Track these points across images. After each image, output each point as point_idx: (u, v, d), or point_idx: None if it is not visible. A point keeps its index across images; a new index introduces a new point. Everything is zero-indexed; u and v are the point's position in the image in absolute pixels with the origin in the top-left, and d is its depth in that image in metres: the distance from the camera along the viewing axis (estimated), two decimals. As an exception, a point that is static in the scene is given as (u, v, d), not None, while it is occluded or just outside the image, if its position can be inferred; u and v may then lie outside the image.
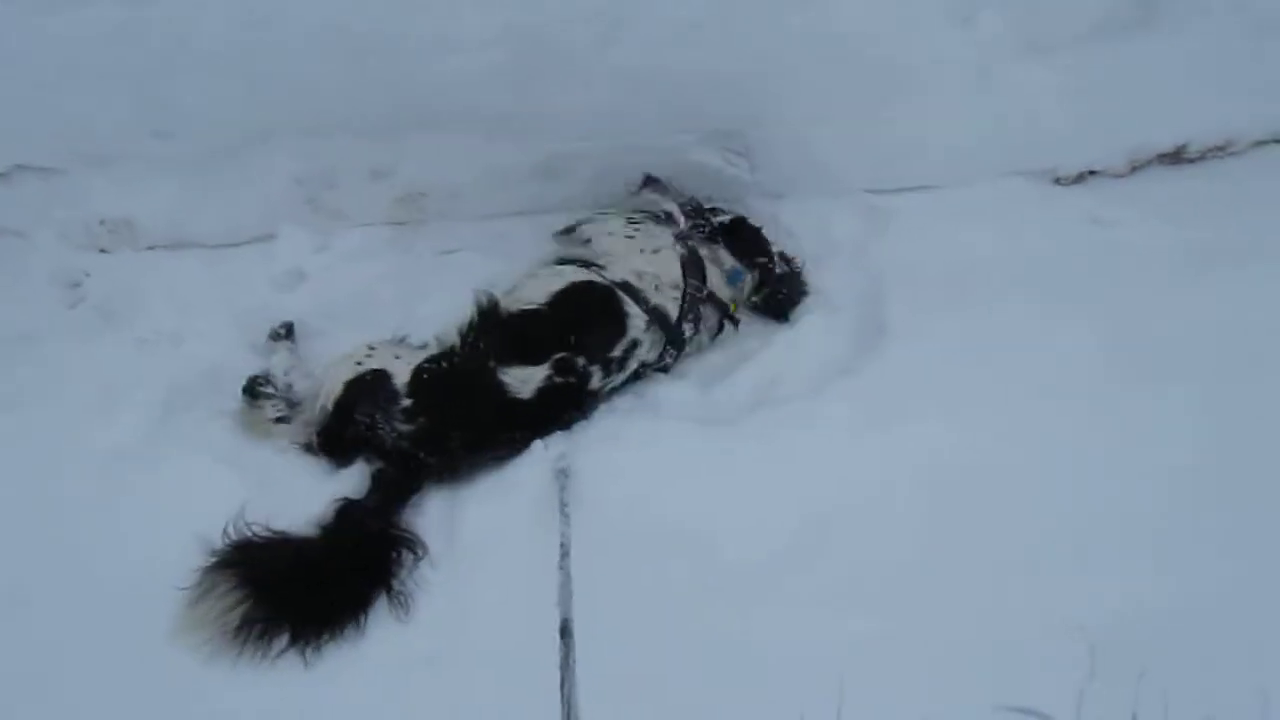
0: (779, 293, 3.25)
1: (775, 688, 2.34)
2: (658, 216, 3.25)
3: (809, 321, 3.18)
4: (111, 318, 3.23)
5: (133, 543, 2.63)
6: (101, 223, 3.39)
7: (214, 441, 2.87)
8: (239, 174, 3.36)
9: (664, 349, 3.05)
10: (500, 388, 2.81)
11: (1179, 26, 3.39)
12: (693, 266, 3.10)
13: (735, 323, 3.21)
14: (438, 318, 3.06)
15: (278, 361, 3.05)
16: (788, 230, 3.39)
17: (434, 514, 2.77)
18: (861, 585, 2.50)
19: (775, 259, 3.25)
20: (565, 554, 2.56)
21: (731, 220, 3.29)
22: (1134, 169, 3.54)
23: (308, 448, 2.86)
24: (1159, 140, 3.53)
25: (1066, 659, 2.30)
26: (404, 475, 2.78)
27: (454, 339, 2.92)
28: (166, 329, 3.18)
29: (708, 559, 2.57)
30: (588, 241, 3.16)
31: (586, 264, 3.05)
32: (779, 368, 3.09)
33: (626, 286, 3.00)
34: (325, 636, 2.48)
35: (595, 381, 2.93)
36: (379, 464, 2.79)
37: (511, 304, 2.95)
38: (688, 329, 3.07)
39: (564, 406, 2.90)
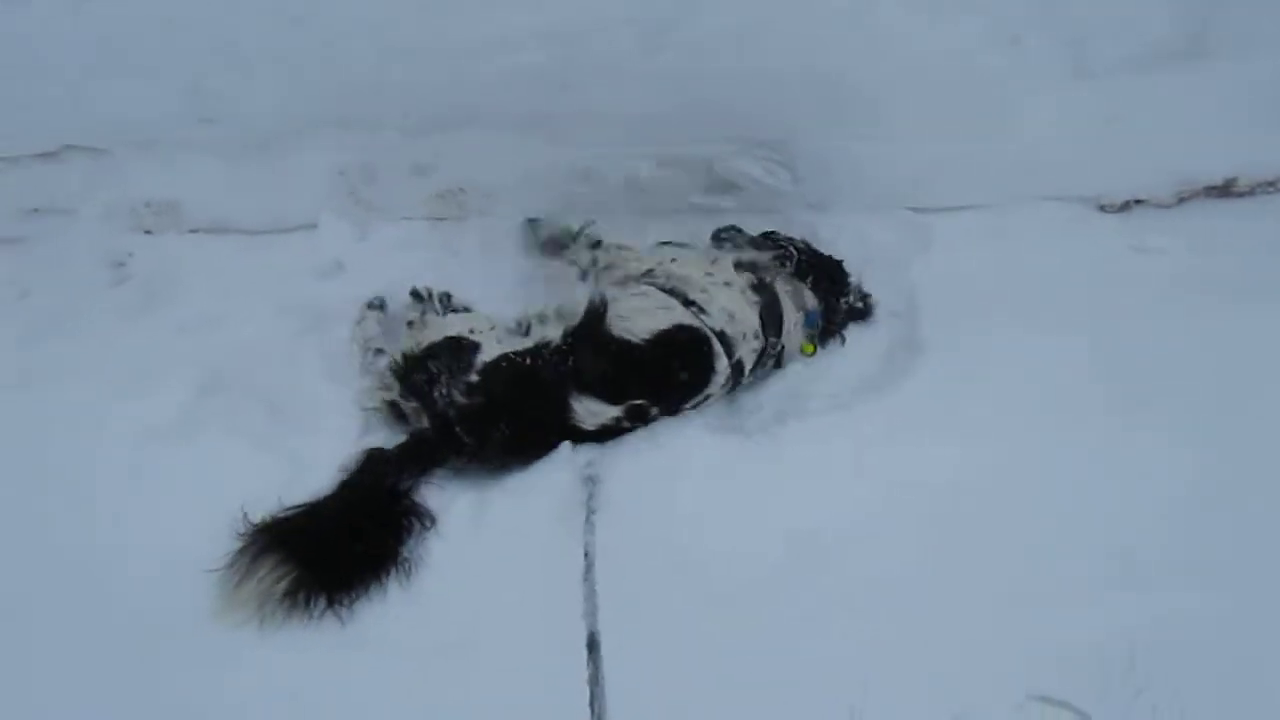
0: (846, 323, 3.18)
1: (796, 696, 2.36)
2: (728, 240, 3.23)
3: (846, 336, 3.17)
4: (153, 298, 3.27)
5: (164, 521, 2.65)
6: (147, 205, 3.44)
7: (249, 425, 2.88)
8: (282, 163, 3.40)
9: (728, 389, 2.98)
10: (567, 411, 2.77)
11: (1232, 57, 3.36)
12: (771, 316, 2.99)
13: (783, 366, 3.11)
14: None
15: (366, 328, 3.11)
16: (827, 243, 3.37)
17: (462, 506, 2.75)
18: (877, 599, 2.51)
19: (854, 295, 3.17)
20: (590, 565, 2.54)
21: (818, 257, 3.16)
22: (1181, 200, 3.50)
23: (389, 368, 2.90)
24: (1207, 172, 3.49)
25: (1074, 673, 2.37)
26: (436, 444, 2.77)
27: (555, 336, 2.85)
28: (206, 312, 3.21)
29: (727, 570, 2.56)
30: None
31: (689, 301, 2.93)
32: (809, 381, 3.07)
33: (722, 336, 2.88)
34: (353, 597, 2.53)
35: (651, 416, 2.88)
36: (421, 426, 2.81)
37: (616, 324, 2.85)
38: (749, 379, 3.02)
39: (614, 436, 2.85)
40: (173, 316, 3.18)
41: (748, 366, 2.94)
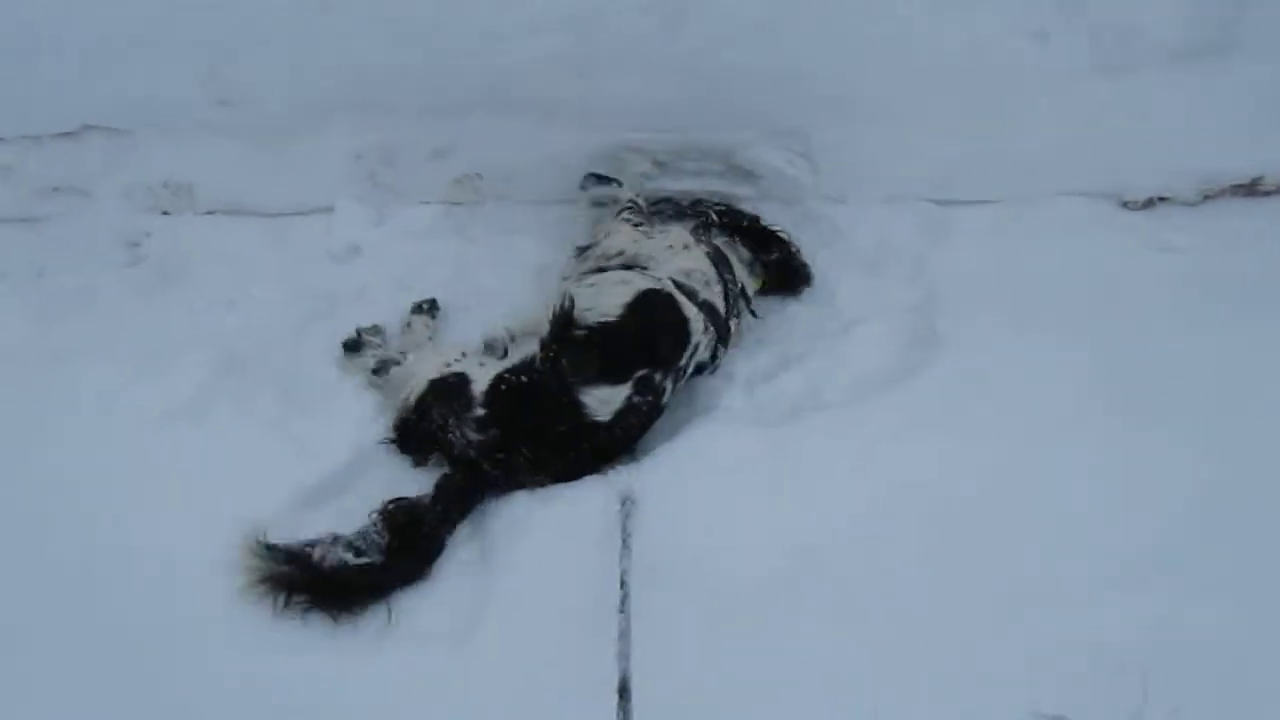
0: (787, 267, 3.24)
1: (808, 701, 2.38)
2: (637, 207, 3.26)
3: (862, 330, 3.13)
4: (168, 279, 3.28)
5: (175, 505, 2.66)
6: (164, 185, 3.44)
7: (261, 408, 2.89)
8: (300, 146, 3.40)
9: (715, 346, 3.01)
10: (579, 409, 2.75)
11: (1260, 54, 3.30)
12: (719, 259, 3.09)
13: (754, 313, 3.20)
14: (490, 297, 3.06)
15: (416, 327, 3.09)
16: (846, 234, 3.35)
17: (501, 521, 2.75)
18: (890, 600, 2.51)
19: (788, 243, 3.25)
20: (626, 595, 2.47)
21: (731, 210, 3.27)
22: (1205, 198, 3.45)
23: (391, 442, 2.86)
24: (1233, 170, 3.43)
25: (1077, 677, 2.38)
26: (467, 485, 2.75)
27: (534, 349, 2.85)
28: (221, 294, 3.22)
29: (743, 574, 2.57)
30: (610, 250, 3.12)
31: (629, 267, 3.01)
32: (825, 375, 3.05)
33: (679, 286, 2.96)
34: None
35: (666, 396, 2.89)
36: (445, 469, 2.78)
37: (586, 315, 2.86)
38: (732, 324, 3.05)
39: (638, 428, 2.85)
40: (187, 298, 3.19)
41: (720, 308, 3.00)
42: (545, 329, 2.86)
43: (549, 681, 2.38)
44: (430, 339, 3.08)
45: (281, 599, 2.50)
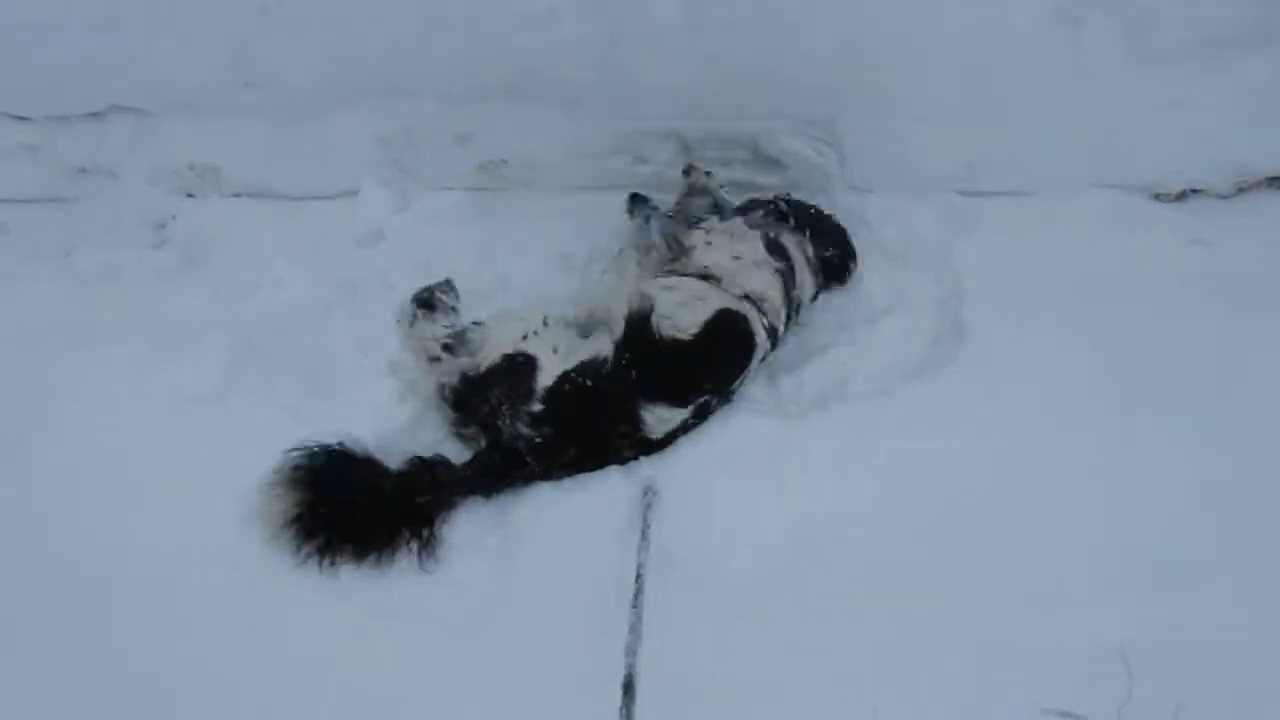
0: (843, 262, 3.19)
1: (808, 693, 2.38)
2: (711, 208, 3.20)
3: (887, 322, 3.11)
4: (193, 261, 3.29)
5: (194, 487, 2.68)
6: (190, 167, 3.45)
7: (283, 393, 2.90)
8: (325, 130, 3.40)
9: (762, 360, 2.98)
10: (637, 424, 2.72)
11: (1298, 43, 3.23)
12: (786, 268, 3.01)
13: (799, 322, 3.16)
14: (513, 284, 3.06)
15: (422, 329, 2.96)
16: (872, 226, 3.31)
17: (523, 509, 2.74)
18: (897, 596, 2.52)
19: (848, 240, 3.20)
20: (640, 590, 2.45)
21: (806, 208, 3.19)
22: (1239, 190, 3.39)
23: (444, 400, 2.80)
24: (1268, 162, 3.37)
25: (1082, 675, 2.40)
26: (503, 469, 2.72)
27: (607, 350, 2.78)
28: (245, 277, 3.22)
29: (763, 560, 2.57)
30: (691, 249, 3.03)
31: (705, 277, 2.94)
32: (851, 367, 3.04)
33: (753, 304, 2.90)
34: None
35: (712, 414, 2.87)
36: (484, 446, 2.74)
37: (662, 324, 2.80)
38: (782, 339, 3.03)
39: (678, 437, 2.82)
40: (211, 281, 3.20)
41: (780, 330, 2.97)
42: (618, 324, 2.81)
43: (557, 674, 2.39)
44: (447, 330, 2.90)
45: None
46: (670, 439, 2.78)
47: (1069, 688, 2.38)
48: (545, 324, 2.80)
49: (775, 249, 3.02)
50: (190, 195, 3.46)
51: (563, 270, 3.23)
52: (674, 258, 3.04)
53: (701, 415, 2.81)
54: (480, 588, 2.58)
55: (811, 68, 3.20)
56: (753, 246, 3.00)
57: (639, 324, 2.79)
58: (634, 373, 2.73)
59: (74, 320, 3.07)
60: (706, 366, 2.80)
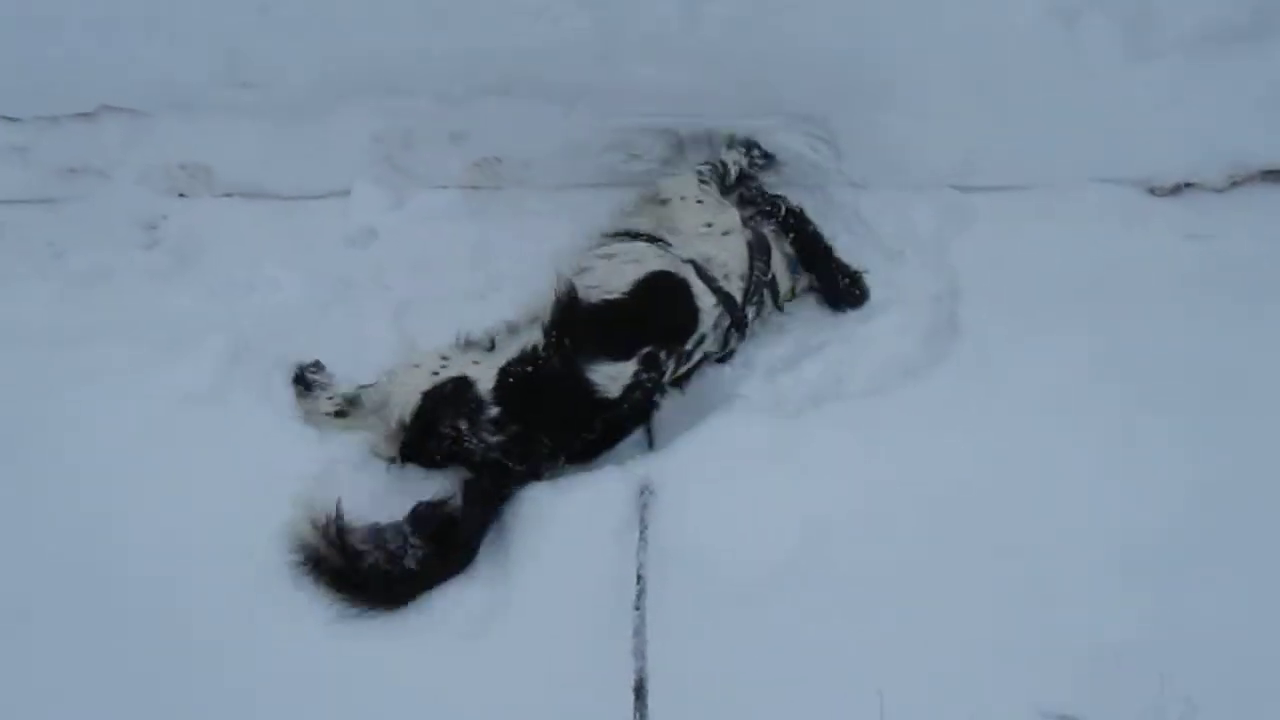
0: (839, 284, 3.18)
1: (814, 691, 2.38)
2: (719, 174, 3.20)
3: (883, 319, 3.11)
4: (185, 261, 3.28)
5: (191, 488, 2.67)
6: (182, 167, 3.43)
7: (278, 391, 2.90)
8: (318, 129, 3.38)
9: (728, 334, 2.99)
10: (589, 387, 2.72)
11: (1293, 37, 3.23)
12: (759, 248, 3.04)
13: (780, 308, 3.18)
14: (508, 283, 3.04)
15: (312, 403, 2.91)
16: (868, 222, 3.31)
17: (519, 513, 2.74)
18: (900, 594, 2.52)
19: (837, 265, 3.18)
20: (642, 590, 2.45)
21: (797, 213, 3.19)
22: (1234, 184, 3.39)
23: (391, 461, 2.78)
24: (1263, 155, 3.37)
25: (1076, 672, 2.40)
26: (494, 487, 2.70)
27: (536, 336, 2.77)
28: (238, 277, 3.21)
29: (759, 561, 2.57)
30: (665, 202, 3.06)
31: (653, 239, 2.97)
32: (846, 364, 3.03)
33: (699, 271, 2.91)
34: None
35: (668, 375, 2.87)
36: (466, 475, 2.72)
37: (592, 293, 2.82)
38: (750, 312, 3.02)
39: (645, 404, 2.83)
40: (204, 281, 3.19)
41: (739, 299, 2.95)
42: (548, 314, 2.80)
43: (566, 678, 2.39)
44: (331, 401, 2.86)
45: (319, 580, 2.52)
46: (632, 398, 2.77)
47: (1069, 686, 2.39)
48: (444, 359, 2.79)
49: (756, 234, 3.05)
50: (182, 195, 3.44)
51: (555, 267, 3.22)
52: (640, 209, 3.07)
53: (652, 366, 2.79)
54: (481, 593, 2.58)
55: (808, 64, 3.18)
56: (729, 218, 3.03)
57: (566, 300, 2.78)
58: (567, 341, 2.73)
59: (66, 322, 3.06)
60: (640, 319, 2.80)
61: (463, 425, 2.66)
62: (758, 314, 3.07)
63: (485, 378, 2.70)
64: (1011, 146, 3.31)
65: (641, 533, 2.57)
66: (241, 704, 2.42)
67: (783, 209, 3.17)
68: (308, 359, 2.95)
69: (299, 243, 3.29)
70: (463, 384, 2.70)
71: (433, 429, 2.67)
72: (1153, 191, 3.39)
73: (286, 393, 2.92)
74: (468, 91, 3.29)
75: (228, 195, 3.44)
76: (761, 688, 2.40)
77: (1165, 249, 3.24)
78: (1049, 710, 2.36)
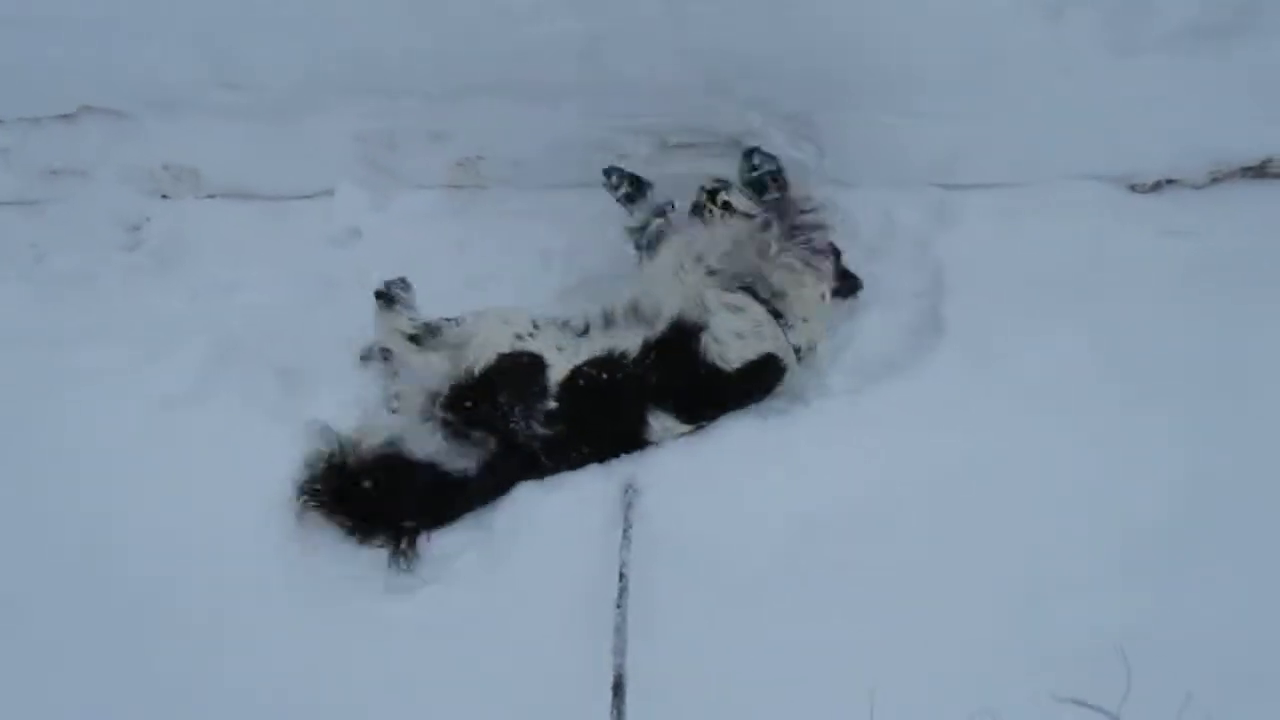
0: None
1: (797, 686, 2.38)
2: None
3: (867, 316, 3.11)
4: (169, 263, 3.27)
5: (176, 490, 2.66)
6: (165, 168, 3.42)
7: (263, 394, 2.89)
8: (302, 129, 3.37)
9: None
10: (643, 424, 2.70)
11: (1273, 35, 3.23)
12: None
13: None
14: (492, 282, 3.03)
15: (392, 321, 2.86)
16: (851, 219, 3.31)
17: (503, 510, 2.73)
18: (892, 590, 2.52)
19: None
20: (624, 589, 2.44)
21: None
22: (1214, 180, 3.40)
23: (426, 411, 2.71)
24: (1243, 152, 3.38)
25: (1075, 666, 2.35)
26: (518, 472, 2.67)
27: (632, 344, 2.72)
28: (222, 278, 3.21)
29: (746, 559, 2.57)
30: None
31: (771, 306, 2.84)
32: (831, 360, 3.03)
33: (798, 352, 2.86)
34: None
35: None
36: (494, 449, 2.67)
37: (709, 348, 2.72)
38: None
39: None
40: (187, 282, 3.20)
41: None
42: (661, 323, 2.74)
43: (545, 676, 2.40)
44: (412, 323, 2.79)
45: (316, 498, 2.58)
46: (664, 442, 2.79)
47: (1070, 681, 2.38)
48: (536, 327, 2.74)
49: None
50: (165, 196, 3.44)
51: (543, 268, 3.23)
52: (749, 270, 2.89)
53: (697, 430, 2.80)
54: (464, 591, 2.58)
55: (791, 63, 3.18)
56: (818, 281, 2.89)
57: (685, 335, 2.72)
58: (655, 377, 2.68)
59: (49, 324, 3.06)
60: (728, 400, 2.79)
61: (518, 406, 2.62)
62: None
63: (560, 367, 2.66)
64: (995, 144, 3.31)
65: (625, 531, 2.57)
66: (227, 707, 2.42)
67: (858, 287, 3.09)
68: (394, 276, 2.90)
69: (283, 243, 3.29)
70: (537, 365, 2.65)
71: (493, 395, 2.62)
72: (1134, 188, 3.40)
73: (273, 393, 2.91)
74: (451, 91, 3.28)
75: (211, 196, 3.44)
76: (745, 686, 2.41)
77: (1147, 245, 3.24)
78: (1062, 695, 2.35)
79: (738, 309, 2.81)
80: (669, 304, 2.78)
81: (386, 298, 2.84)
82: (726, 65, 3.17)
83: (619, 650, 2.32)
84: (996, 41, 3.16)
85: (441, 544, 2.68)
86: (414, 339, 2.77)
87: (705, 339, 2.73)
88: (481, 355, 2.65)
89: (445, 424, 2.68)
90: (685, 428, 2.76)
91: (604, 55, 3.14)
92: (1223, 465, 2.72)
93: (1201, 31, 3.21)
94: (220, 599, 2.51)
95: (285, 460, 2.69)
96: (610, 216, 3.27)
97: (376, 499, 2.60)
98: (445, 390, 2.69)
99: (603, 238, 3.27)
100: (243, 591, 2.53)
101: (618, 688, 2.25)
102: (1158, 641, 2.38)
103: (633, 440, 2.73)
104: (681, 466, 2.74)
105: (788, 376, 2.88)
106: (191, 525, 2.58)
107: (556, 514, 2.66)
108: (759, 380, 2.82)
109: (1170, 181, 3.40)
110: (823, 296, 2.88)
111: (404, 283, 2.90)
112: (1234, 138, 3.36)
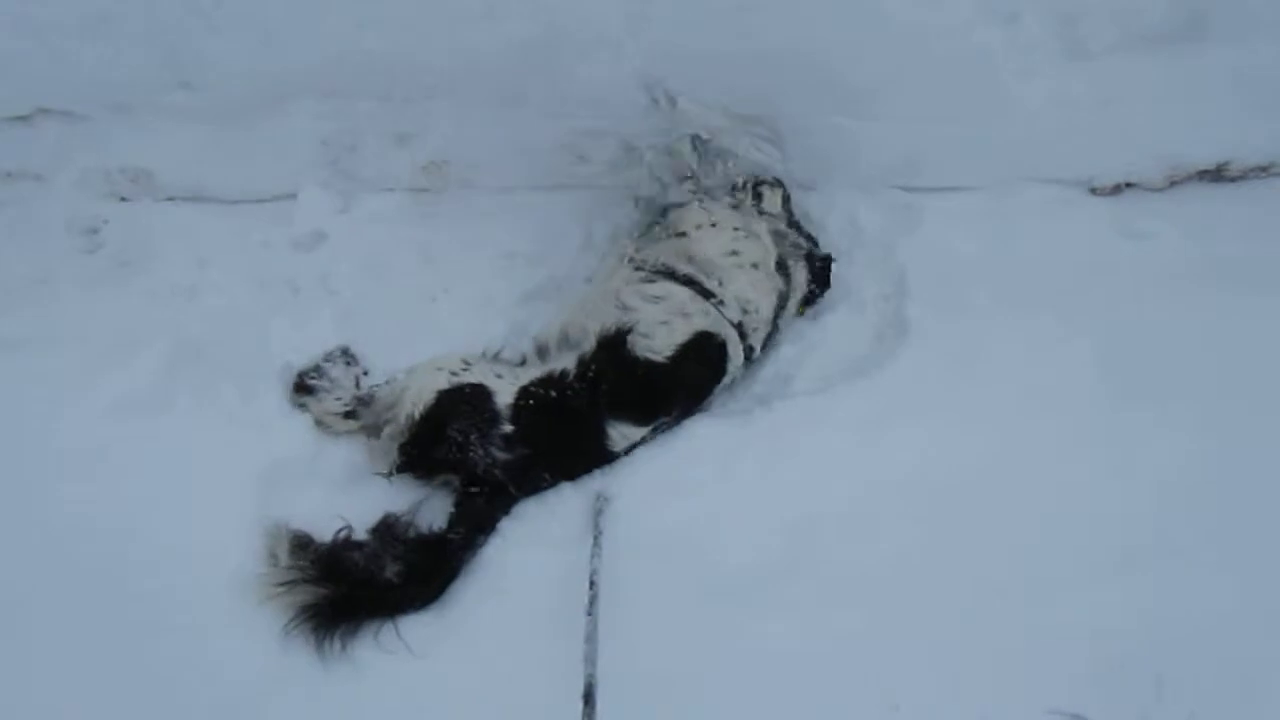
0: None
1: (769, 694, 2.38)
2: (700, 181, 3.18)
3: (831, 318, 3.14)
4: (127, 266, 3.22)
5: (136, 496, 2.64)
6: (122, 171, 3.37)
7: (222, 397, 2.86)
8: (263, 131, 3.33)
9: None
10: (602, 438, 2.69)
11: (1229, 40, 3.30)
12: (780, 298, 3.01)
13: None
14: (457, 285, 3.02)
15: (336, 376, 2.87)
16: (816, 222, 3.33)
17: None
18: (872, 588, 2.53)
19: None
20: (594, 597, 2.42)
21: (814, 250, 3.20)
22: (1172, 183, 3.46)
23: (389, 473, 2.67)
24: (1200, 156, 3.44)
25: (1068, 668, 2.39)
26: (491, 507, 2.64)
27: (569, 363, 2.73)
28: (182, 281, 3.16)
29: (717, 562, 2.57)
30: (683, 235, 2.99)
31: (692, 281, 2.90)
32: (795, 363, 3.06)
33: (739, 328, 2.88)
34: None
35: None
36: (460, 490, 2.64)
37: (638, 344, 2.76)
38: (759, 356, 3.03)
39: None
40: (146, 286, 3.14)
41: (758, 349, 2.97)
42: (590, 341, 2.75)
43: (517, 686, 2.38)
44: (340, 402, 2.80)
45: (297, 608, 2.44)
46: (631, 451, 2.79)
47: (1072, 680, 2.41)
48: (466, 364, 2.73)
49: (783, 269, 3.01)
50: (123, 199, 3.38)
51: (507, 270, 3.21)
52: (661, 238, 3.00)
53: (657, 432, 2.81)
54: (435, 605, 2.55)
55: (753, 67, 3.20)
56: (756, 249, 2.96)
57: (614, 343, 2.74)
58: (602, 387, 2.69)
59: (5, 329, 3.00)
60: (675, 391, 2.79)
61: (473, 435, 2.59)
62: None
63: (505, 392, 2.64)
64: (956, 147, 3.35)
65: (596, 538, 2.56)
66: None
67: (818, 257, 3.15)
68: (310, 362, 2.89)
69: (244, 247, 3.25)
70: (481, 392, 2.63)
71: (442, 432, 2.59)
72: (1094, 191, 3.45)
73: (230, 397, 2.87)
74: (414, 94, 3.26)
75: (170, 199, 3.39)
76: (717, 692, 2.41)
77: (1108, 246, 3.30)
78: (1060, 710, 2.35)
79: (657, 298, 2.85)
80: (593, 325, 2.80)
81: (305, 389, 2.83)
82: (688, 70, 3.17)
83: (590, 658, 2.31)
84: (956, 46, 3.20)
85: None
86: (349, 415, 2.77)
87: (631, 339, 2.76)
88: (419, 401, 2.63)
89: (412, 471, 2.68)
90: (644, 430, 2.75)
91: (566, 58, 3.13)
92: (1190, 460, 2.75)
93: (1157, 37, 3.27)
94: (176, 606, 2.47)
95: (245, 465, 2.66)
96: (575, 218, 3.28)
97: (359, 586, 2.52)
98: (396, 450, 2.66)
99: (567, 240, 3.27)
100: (199, 599, 2.49)
101: (588, 696, 2.24)
102: (1157, 644, 2.43)
103: (598, 455, 2.72)
104: (650, 473, 2.74)
105: (735, 349, 2.88)
106: (148, 530, 2.54)
107: (525, 525, 2.66)
108: (700, 362, 2.81)
109: (1129, 185, 3.45)
110: (753, 265, 2.94)
111: (343, 354, 2.91)
112: (1191, 142, 3.42)
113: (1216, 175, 3.46)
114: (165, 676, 2.41)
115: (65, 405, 2.80)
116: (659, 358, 2.76)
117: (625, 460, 2.78)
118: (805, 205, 3.37)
